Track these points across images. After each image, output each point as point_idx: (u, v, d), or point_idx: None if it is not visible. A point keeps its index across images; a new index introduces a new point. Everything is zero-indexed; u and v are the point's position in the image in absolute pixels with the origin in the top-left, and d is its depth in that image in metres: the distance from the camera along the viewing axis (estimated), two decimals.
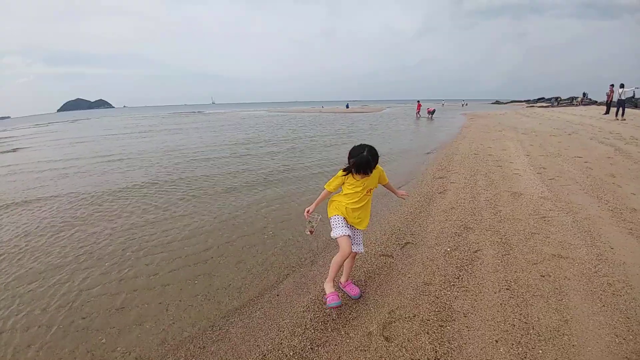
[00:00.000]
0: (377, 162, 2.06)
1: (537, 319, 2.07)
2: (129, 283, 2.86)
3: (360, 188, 2.13)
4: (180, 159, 8.99)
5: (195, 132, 17.61)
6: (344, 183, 2.18)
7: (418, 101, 27.56)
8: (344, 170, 2.13)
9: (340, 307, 2.15)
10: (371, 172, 2.05)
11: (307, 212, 2.28)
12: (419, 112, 25.56)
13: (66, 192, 6.02)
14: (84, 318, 2.42)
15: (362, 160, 1.99)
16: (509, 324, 2.03)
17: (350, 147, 2.12)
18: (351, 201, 2.16)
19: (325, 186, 2.25)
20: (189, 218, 4.37)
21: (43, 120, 46.50)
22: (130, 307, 2.53)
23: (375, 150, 2.04)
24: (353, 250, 2.31)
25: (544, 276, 2.53)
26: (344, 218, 2.20)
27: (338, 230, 2.16)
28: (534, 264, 2.71)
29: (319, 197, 2.32)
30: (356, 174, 2.05)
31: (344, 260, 2.14)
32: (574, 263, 2.70)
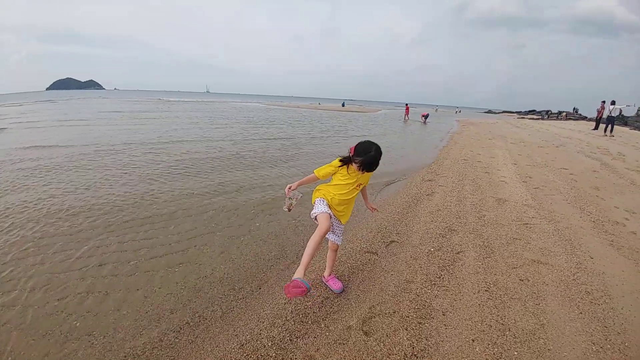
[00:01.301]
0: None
1: (513, 321, 2.11)
2: (107, 268, 2.79)
3: (353, 181, 2.13)
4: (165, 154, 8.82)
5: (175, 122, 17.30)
6: (335, 173, 2.17)
7: (406, 104, 27.86)
8: (341, 161, 2.12)
9: (307, 292, 1.71)
10: (374, 168, 2.05)
11: (289, 188, 2.22)
12: (407, 115, 25.85)
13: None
14: (59, 300, 2.36)
15: (371, 160, 1.99)
16: (486, 324, 2.07)
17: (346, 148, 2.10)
18: (340, 192, 2.15)
19: (314, 171, 2.22)
20: (174, 207, 4.30)
21: (30, 99, 44.57)
22: (108, 292, 2.47)
23: (381, 149, 2.04)
24: (332, 240, 2.33)
25: (522, 280, 2.58)
26: (328, 205, 2.15)
27: (319, 208, 2.09)
28: (514, 268, 2.77)
29: (304, 179, 2.27)
30: (359, 170, 2.05)
31: (322, 239, 1.94)
32: (553, 269, 2.75)
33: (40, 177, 5.52)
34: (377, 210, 2.65)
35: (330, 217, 2.09)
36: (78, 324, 2.13)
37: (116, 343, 1.97)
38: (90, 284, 2.56)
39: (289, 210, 2.26)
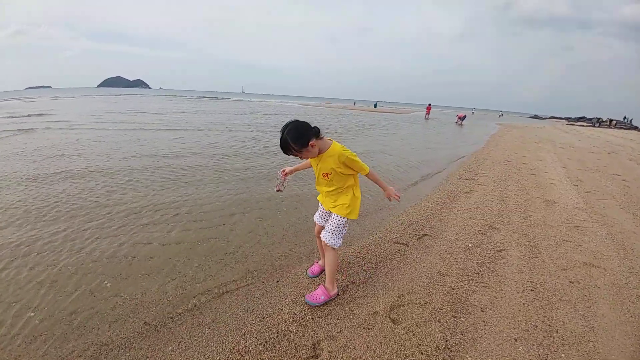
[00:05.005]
0: (300, 144, 1.65)
1: (562, 323, 1.88)
2: (142, 237, 2.89)
3: (316, 168, 1.87)
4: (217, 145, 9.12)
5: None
6: None
7: (429, 104, 28.29)
8: None
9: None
10: (291, 153, 1.70)
11: (283, 172, 2.09)
12: (428, 114, 26.31)
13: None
14: (93, 262, 2.46)
15: (281, 142, 1.68)
16: (530, 324, 1.85)
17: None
18: (316, 184, 2.00)
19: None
20: (208, 189, 4.41)
21: (83, 93, 48.51)
22: (139, 258, 2.54)
23: (296, 129, 1.65)
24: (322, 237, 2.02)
25: (572, 282, 2.31)
26: (321, 204, 2.07)
27: (315, 214, 2.18)
28: (563, 269, 2.48)
29: (300, 164, 2.12)
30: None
31: (318, 239, 2.20)
32: (605, 273, 2.48)
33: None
34: (398, 199, 1.98)
35: (319, 221, 2.12)
36: (108, 284, 2.19)
37: (141, 305, 2.00)
38: (123, 249, 2.65)
39: (278, 190, 2.13)
